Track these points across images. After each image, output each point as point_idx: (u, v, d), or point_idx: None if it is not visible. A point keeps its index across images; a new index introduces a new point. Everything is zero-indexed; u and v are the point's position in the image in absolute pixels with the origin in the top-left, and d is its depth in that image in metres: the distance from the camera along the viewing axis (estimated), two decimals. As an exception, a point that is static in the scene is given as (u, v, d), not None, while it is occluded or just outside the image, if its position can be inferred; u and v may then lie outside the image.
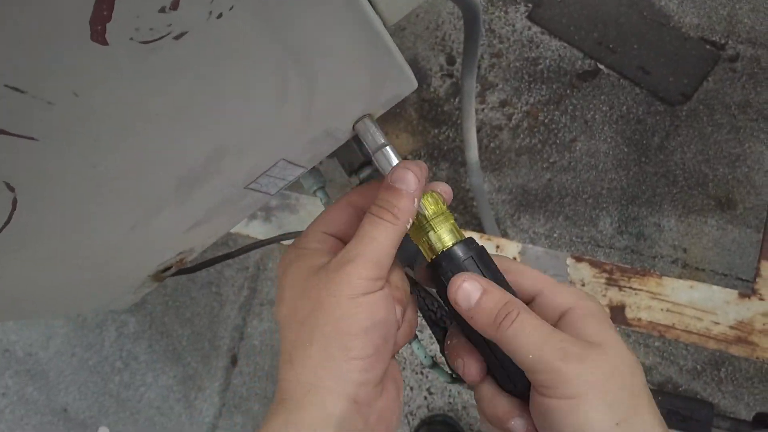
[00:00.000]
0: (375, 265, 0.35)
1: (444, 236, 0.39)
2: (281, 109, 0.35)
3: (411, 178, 0.37)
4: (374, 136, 0.44)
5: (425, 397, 1.47)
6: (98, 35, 0.23)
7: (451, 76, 1.57)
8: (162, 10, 0.24)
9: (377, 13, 0.34)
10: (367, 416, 0.35)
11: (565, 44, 1.51)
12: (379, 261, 0.36)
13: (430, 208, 0.39)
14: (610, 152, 1.45)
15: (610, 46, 1.49)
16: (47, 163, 0.27)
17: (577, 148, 1.46)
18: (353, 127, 0.45)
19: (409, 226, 0.37)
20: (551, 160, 1.47)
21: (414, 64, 1.58)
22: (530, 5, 1.57)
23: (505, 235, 1.45)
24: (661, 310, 1.11)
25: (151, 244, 0.41)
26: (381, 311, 0.35)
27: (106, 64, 0.24)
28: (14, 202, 0.27)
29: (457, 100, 1.56)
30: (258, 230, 1.28)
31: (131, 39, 0.24)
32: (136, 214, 0.36)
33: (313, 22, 0.30)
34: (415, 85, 0.45)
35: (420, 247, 0.40)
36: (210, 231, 0.45)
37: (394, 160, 0.42)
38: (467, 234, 0.46)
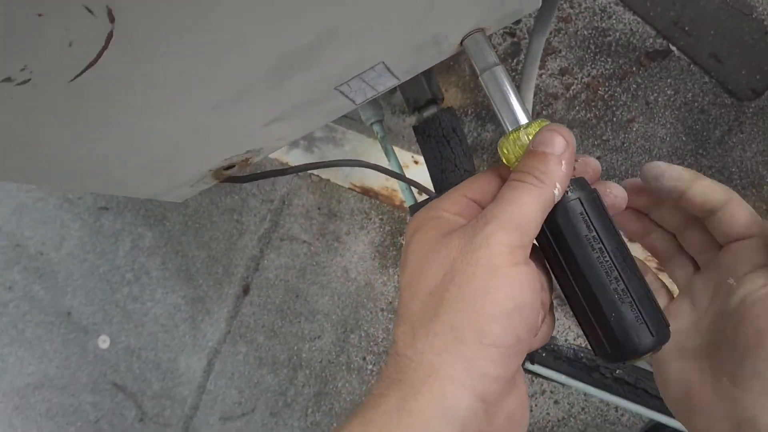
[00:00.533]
0: (516, 230, 0.29)
1: None
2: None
3: (558, 140, 0.31)
4: (484, 52, 0.40)
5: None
6: None
7: (513, 35, 1.50)
8: None
9: None
10: (493, 417, 0.29)
11: (639, 19, 1.43)
12: (521, 226, 0.29)
13: None
14: (667, 138, 1.38)
15: (686, 28, 1.41)
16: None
17: (634, 129, 1.40)
18: (461, 42, 0.41)
19: (558, 194, 0.31)
20: (604, 138, 1.41)
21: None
22: (607, -27, 1.48)
23: (542, 207, 1.40)
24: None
25: (227, 131, 0.36)
26: (526, 292, 0.29)
27: None
28: (109, 37, 0.23)
29: (515, 60, 1.49)
30: (299, 159, 1.24)
31: None
32: (225, 89, 0.31)
33: None
34: (539, 4, 0.41)
35: None
36: (284, 131, 0.41)
37: (506, 85, 0.38)
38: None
